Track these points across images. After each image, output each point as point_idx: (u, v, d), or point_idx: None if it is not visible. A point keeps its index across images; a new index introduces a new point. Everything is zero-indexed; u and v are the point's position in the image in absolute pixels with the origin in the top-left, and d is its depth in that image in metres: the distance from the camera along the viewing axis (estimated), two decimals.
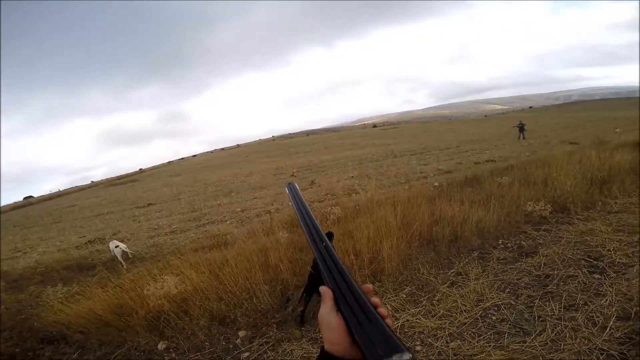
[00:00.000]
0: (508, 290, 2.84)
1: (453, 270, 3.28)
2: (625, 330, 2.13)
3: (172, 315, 3.10)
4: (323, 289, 0.59)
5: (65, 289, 4.78)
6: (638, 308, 2.32)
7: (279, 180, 15.43)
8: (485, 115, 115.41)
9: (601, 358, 1.95)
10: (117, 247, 6.19)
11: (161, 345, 2.91)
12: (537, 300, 2.62)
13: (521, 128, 20.58)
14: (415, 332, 2.44)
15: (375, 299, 0.56)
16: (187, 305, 3.20)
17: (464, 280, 3.07)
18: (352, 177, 12.56)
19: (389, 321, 0.51)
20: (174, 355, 2.78)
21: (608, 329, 2.17)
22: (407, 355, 0.43)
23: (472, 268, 3.23)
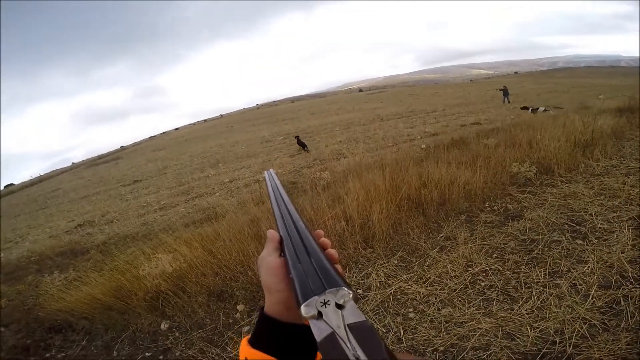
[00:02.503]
0: (495, 255, 2.89)
1: (442, 235, 3.34)
2: (607, 299, 2.18)
3: (171, 294, 3.14)
4: (270, 232, 0.54)
5: (62, 275, 4.72)
6: (618, 276, 2.39)
7: (266, 148, 15.23)
8: (471, 80, 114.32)
9: (584, 327, 1.99)
10: None
11: (164, 325, 2.98)
12: (523, 266, 2.67)
13: (505, 92, 20.64)
14: (408, 299, 2.52)
15: (325, 240, 0.52)
16: (183, 282, 3.23)
17: (452, 245, 3.13)
18: (340, 141, 12.50)
19: (338, 267, 0.46)
20: (177, 334, 2.85)
21: (590, 297, 2.22)
22: (344, 291, 0.37)
23: (461, 232, 3.30)
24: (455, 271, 2.75)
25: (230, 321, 2.84)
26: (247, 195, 6.14)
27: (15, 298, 4.38)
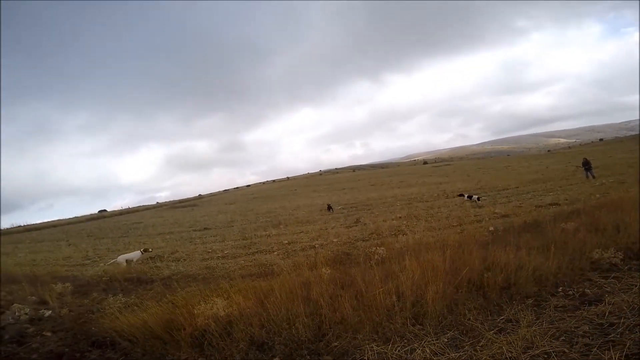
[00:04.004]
0: (562, 338, 2.65)
1: (503, 317, 3.09)
2: None
3: (216, 335, 3.27)
4: None
5: (124, 298, 5.16)
6: None
7: (324, 216, 15.64)
8: (549, 150, 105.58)
9: None
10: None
11: None
12: (595, 349, 2.44)
13: (587, 167, 17.87)
14: None
15: None
16: (231, 327, 3.37)
17: (513, 327, 2.89)
18: (400, 217, 12.25)
19: None
20: None
21: None
22: None
23: (525, 315, 3.03)
24: (512, 352, 2.51)
25: None
26: (302, 259, 6.31)
27: (76, 310, 4.81)
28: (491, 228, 7.91)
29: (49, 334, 3.98)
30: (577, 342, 2.55)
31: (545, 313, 3.08)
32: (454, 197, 16.79)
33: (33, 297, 5.38)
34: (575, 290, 3.50)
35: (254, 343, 3.20)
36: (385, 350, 2.76)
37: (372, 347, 2.84)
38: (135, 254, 8.92)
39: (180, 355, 3.19)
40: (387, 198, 19.97)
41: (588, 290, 3.44)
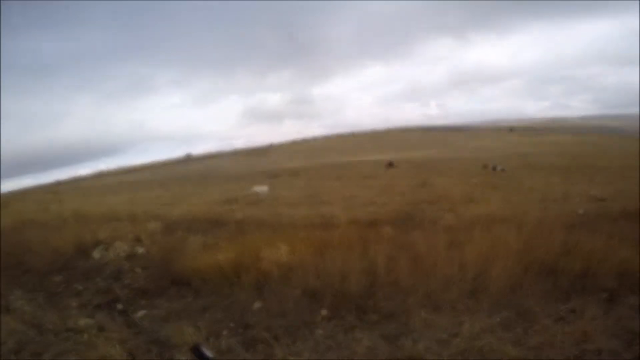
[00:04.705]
0: (624, 337, 2.42)
1: (567, 306, 2.88)
2: None
3: (276, 279, 3.53)
4: None
5: (202, 238, 5.55)
6: None
7: (389, 173, 15.26)
8: None
9: None
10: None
11: (256, 305, 3.32)
12: None
13: None
14: (493, 357, 2.30)
15: None
16: (291, 273, 3.61)
17: (574, 318, 2.68)
18: (475, 183, 11.36)
19: None
20: (263, 316, 3.14)
21: None
22: None
23: (592, 308, 2.78)
24: (563, 343, 2.38)
25: (310, 320, 3.02)
26: (362, 214, 6.29)
27: (163, 247, 5.27)
28: (580, 211, 7.00)
29: (139, 270, 4.53)
30: (636, 344, 2.33)
31: (615, 309, 2.80)
32: (541, 169, 14.91)
33: (131, 235, 6.04)
34: None
35: (307, 292, 3.39)
36: (433, 318, 2.80)
37: (421, 312, 2.88)
38: (265, 188, 11.08)
39: (241, 297, 3.48)
40: (463, 161, 18.47)
41: None
